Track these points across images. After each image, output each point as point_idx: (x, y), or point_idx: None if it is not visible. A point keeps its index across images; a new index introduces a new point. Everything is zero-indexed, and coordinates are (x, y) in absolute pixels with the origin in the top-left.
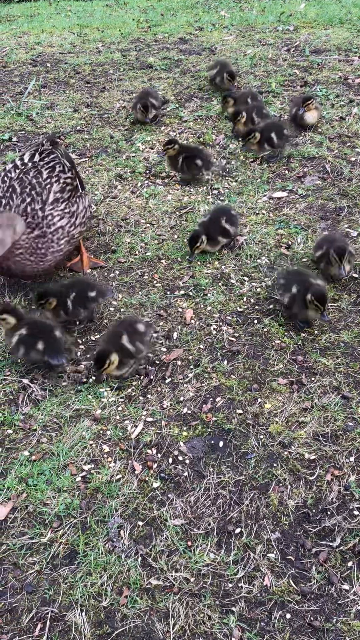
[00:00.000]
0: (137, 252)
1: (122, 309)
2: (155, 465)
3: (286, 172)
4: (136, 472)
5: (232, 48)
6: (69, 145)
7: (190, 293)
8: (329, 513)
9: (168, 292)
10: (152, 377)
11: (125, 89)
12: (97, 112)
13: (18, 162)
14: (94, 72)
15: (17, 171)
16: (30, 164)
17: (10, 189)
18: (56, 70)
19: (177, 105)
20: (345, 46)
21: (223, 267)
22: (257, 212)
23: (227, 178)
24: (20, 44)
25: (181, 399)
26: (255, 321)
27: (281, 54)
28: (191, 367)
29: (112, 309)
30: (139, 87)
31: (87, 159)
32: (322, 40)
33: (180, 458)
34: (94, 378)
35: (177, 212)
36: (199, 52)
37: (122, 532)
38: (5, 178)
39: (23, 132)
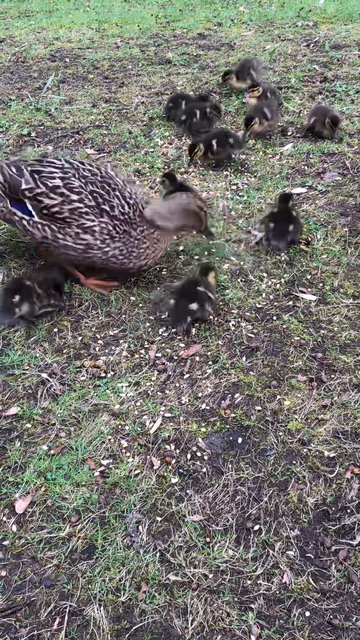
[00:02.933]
0: None
1: (141, 304)
2: (174, 460)
3: (306, 167)
4: (154, 467)
5: (251, 43)
6: (88, 141)
7: None
8: (348, 511)
9: None
10: (170, 373)
11: (144, 84)
12: (115, 108)
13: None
14: (113, 68)
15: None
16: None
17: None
18: (75, 66)
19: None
20: None
21: (242, 263)
22: None
23: (246, 173)
24: (39, 39)
25: (199, 394)
26: (275, 317)
27: (300, 49)
28: (210, 363)
29: (129, 304)
30: (157, 82)
31: (105, 154)
32: (341, 35)
33: (199, 454)
34: (112, 373)
35: None
36: (218, 47)
37: (140, 527)
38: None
39: (42, 127)
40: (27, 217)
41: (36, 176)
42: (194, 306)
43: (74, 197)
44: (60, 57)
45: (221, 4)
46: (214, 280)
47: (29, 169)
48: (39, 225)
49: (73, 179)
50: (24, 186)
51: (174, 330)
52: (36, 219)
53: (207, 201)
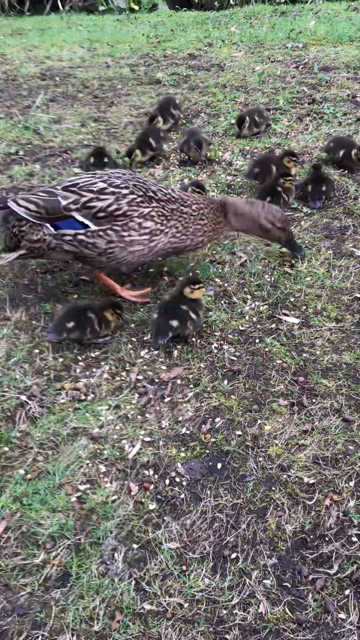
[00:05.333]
0: (139, 269)
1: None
2: (152, 486)
3: None
4: (132, 493)
5: (240, 64)
6: (75, 160)
7: None
8: (327, 539)
9: None
10: (151, 396)
11: (133, 104)
12: (104, 127)
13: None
14: (103, 87)
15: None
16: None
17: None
18: (65, 85)
19: (185, 122)
20: (354, 64)
21: (226, 284)
22: None
23: (232, 195)
24: (30, 57)
25: (180, 418)
26: (257, 340)
27: (290, 71)
28: (191, 386)
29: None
30: (146, 102)
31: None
32: (331, 57)
33: (178, 480)
34: (92, 395)
35: None
36: (208, 68)
37: (116, 554)
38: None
39: (30, 145)
40: (81, 230)
41: (74, 189)
42: (174, 323)
43: (125, 191)
44: (50, 75)
45: (212, 24)
46: (199, 293)
47: (59, 187)
48: (100, 232)
49: (113, 178)
50: (64, 202)
51: (156, 344)
52: (94, 227)
53: (287, 219)
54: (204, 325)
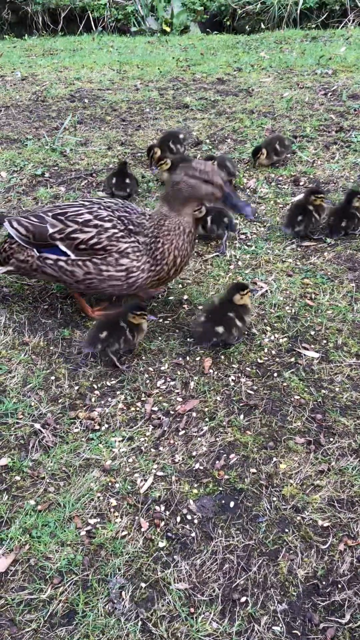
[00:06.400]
0: (159, 296)
1: (141, 354)
2: (163, 523)
3: None
4: (142, 529)
5: (269, 90)
6: (100, 183)
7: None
8: (339, 586)
9: (188, 339)
10: (165, 429)
11: (160, 127)
12: (130, 151)
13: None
14: (131, 110)
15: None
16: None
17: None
18: (93, 107)
19: (211, 147)
20: None
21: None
22: (283, 259)
23: (255, 223)
24: (61, 78)
25: (194, 453)
26: (275, 374)
27: (318, 97)
28: (206, 419)
29: (129, 354)
30: (173, 126)
31: (117, 198)
32: None
33: (189, 517)
34: (106, 426)
35: (203, 257)
36: (236, 93)
37: (123, 593)
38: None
39: (56, 167)
40: (63, 258)
41: (62, 217)
42: (220, 329)
43: (107, 224)
44: (79, 97)
45: (242, 49)
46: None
47: (50, 214)
48: (79, 262)
49: (100, 209)
50: (51, 230)
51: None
52: (74, 256)
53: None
54: (222, 357)
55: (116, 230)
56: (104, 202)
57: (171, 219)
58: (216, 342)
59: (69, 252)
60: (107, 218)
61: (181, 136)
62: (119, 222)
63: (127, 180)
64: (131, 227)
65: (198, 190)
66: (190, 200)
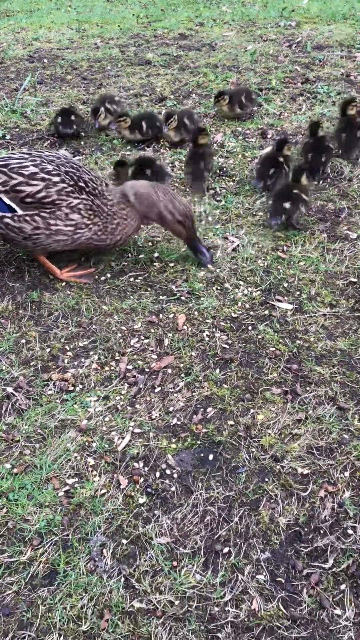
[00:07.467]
0: (129, 254)
1: (113, 314)
2: (142, 479)
3: None
4: (121, 486)
5: (232, 44)
6: (63, 143)
7: (183, 298)
8: (321, 532)
9: (160, 296)
10: (141, 386)
11: (123, 85)
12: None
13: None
14: (92, 68)
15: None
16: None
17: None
18: (53, 67)
19: (175, 103)
20: (348, 42)
21: (218, 270)
22: (254, 213)
23: (224, 177)
24: (18, 39)
25: (171, 409)
26: (250, 327)
27: (282, 50)
28: (182, 375)
29: (100, 314)
30: (136, 83)
31: (81, 157)
32: (324, 36)
33: (168, 472)
34: (81, 386)
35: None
36: (199, 48)
37: (104, 550)
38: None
39: (17, 129)
40: (8, 214)
41: (4, 169)
42: (287, 205)
43: (56, 178)
44: (38, 57)
45: (204, 3)
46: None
47: None
48: (27, 217)
49: (44, 163)
50: None
51: (272, 222)
52: (20, 212)
53: (190, 215)
54: (196, 312)
55: (65, 185)
56: (46, 156)
57: (131, 213)
58: (283, 220)
59: (14, 206)
60: (54, 172)
61: (116, 98)
62: (67, 177)
63: (73, 118)
64: (82, 184)
65: (169, 227)
66: (157, 222)
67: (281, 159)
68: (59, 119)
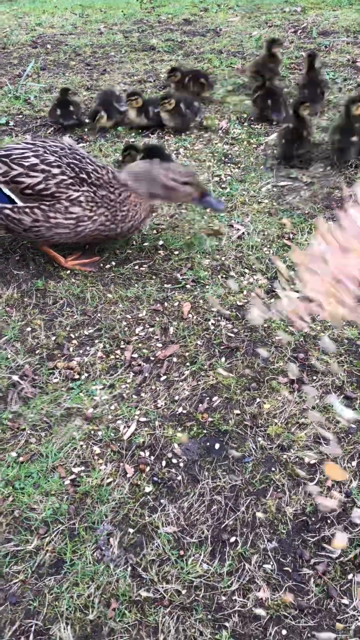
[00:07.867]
0: (134, 242)
1: (118, 302)
2: (148, 468)
3: None
4: (128, 475)
5: (237, 30)
6: (67, 131)
7: (189, 286)
8: (328, 521)
9: (165, 285)
10: (146, 375)
11: (127, 71)
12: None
13: None
14: (95, 54)
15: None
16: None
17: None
18: (56, 52)
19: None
20: (354, 28)
21: (223, 258)
22: (259, 200)
23: (229, 164)
24: (21, 24)
25: (176, 397)
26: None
27: (288, 35)
28: (187, 364)
29: (105, 302)
30: (140, 69)
31: (85, 143)
32: (330, 21)
33: (174, 461)
34: (86, 375)
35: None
36: (203, 33)
37: (111, 539)
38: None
39: (20, 115)
40: (8, 206)
41: (6, 160)
42: (355, 139)
43: (56, 170)
44: (41, 43)
45: None
46: None
47: None
48: (27, 209)
49: (46, 154)
50: None
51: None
52: (21, 203)
53: (193, 173)
54: (201, 301)
55: (65, 177)
56: (50, 146)
57: (136, 197)
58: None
59: (14, 197)
60: (55, 163)
61: (119, 94)
62: (68, 168)
63: (72, 108)
64: (84, 175)
65: (177, 193)
66: (164, 199)
67: None
68: (59, 112)
